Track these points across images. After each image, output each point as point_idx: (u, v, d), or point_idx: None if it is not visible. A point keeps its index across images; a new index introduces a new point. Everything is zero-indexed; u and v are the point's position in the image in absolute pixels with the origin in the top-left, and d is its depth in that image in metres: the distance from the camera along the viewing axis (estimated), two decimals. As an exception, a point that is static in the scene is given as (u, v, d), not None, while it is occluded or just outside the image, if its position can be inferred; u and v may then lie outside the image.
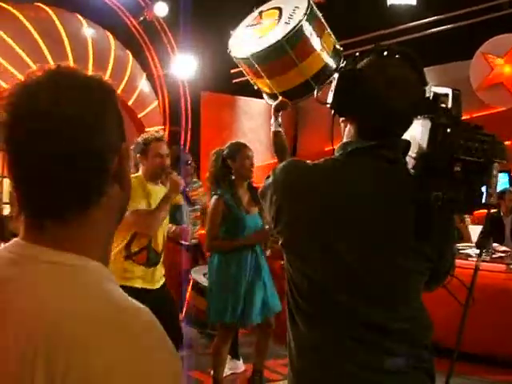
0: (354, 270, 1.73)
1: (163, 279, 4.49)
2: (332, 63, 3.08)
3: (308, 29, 3.03)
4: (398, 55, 1.80)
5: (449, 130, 1.72)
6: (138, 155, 4.36)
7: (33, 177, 1.03)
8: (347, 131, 1.88)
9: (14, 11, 9.09)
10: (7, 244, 1.08)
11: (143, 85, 10.58)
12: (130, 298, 1.03)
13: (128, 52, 10.47)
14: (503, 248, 6.83)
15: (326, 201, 1.75)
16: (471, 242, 7.61)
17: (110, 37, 10.25)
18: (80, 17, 9.99)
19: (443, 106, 1.78)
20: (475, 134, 1.73)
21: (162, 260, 4.43)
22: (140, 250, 4.23)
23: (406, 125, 1.81)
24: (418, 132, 1.80)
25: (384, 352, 1.74)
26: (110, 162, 1.06)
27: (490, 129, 1.77)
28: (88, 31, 9.91)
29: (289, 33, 2.98)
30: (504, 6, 9.98)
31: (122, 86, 10.02)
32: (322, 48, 3.07)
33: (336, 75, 1.87)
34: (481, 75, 10.20)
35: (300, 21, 3.00)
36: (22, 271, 1.02)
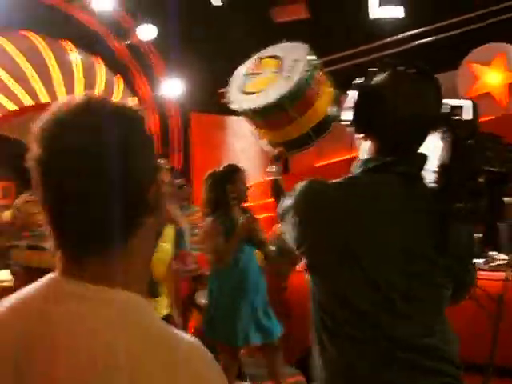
0: (380, 285, 1.72)
1: (168, 309, 4.40)
2: (332, 112, 3.01)
3: (309, 83, 2.97)
4: (413, 70, 1.80)
5: (471, 142, 1.72)
6: None
7: (71, 214, 1.00)
8: (368, 147, 1.87)
9: (3, 41, 9.09)
10: (43, 280, 1.05)
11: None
12: (176, 331, 1.01)
13: (116, 76, 10.49)
14: (502, 256, 6.80)
15: (352, 220, 1.74)
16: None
17: (99, 61, 10.26)
18: (67, 43, 10.00)
19: (458, 117, 1.78)
20: (497, 144, 1.73)
21: (165, 290, 4.35)
22: None
23: (424, 139, 1.81)
24: (435, 146, 1.79)
25: (415, 369, 1.73)
26: (147, 192, 1.03)
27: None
28: (75, 57, 9.92)
29: (289, 91, 2.91)
30: (488, 16, 10.05)
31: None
32: (322, 99, 3.01)
33: (352, 92, 1.86)
34: (467, 85, 10.25)
35: (301, 78, 2.94)
36: (66, 309, 0.98)
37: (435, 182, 1.81)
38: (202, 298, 6.27)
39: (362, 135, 1.90)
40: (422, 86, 1.80)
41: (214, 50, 10.41)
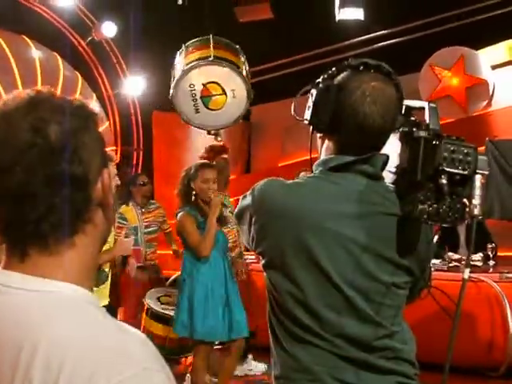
0: (339, 286, 1.71)
1: (107, 299, 4.52)
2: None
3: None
4: (374, 69, 1.80)
5: (434, 142, 1.71)
6: None
7: (14, 203, 0.99)
8: (326, 147, 1.86)
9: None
10: None
11: (94, 105, 10.43)
12: (120, 323, 1.01)
13: (77, 73, 10.37)
14: (457, 256, 6.89)
15: (310, 218, 1.73)
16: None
17: (59, 58, 10.14)
18: (27, 38, 9.86)
19: (415, 119, 1.79)
20: (459, 146, 1.72)
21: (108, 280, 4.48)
22: None
23: (385, 139, 1.81)
24: (395, 146, 1.79)
25: (372, 369, 1.72)
26: (92, 187, 1.03)
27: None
28: (35, 53, 9.79)
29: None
30: (451, 19, 10.17)
31: (71, 108, 9.90)
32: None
33: (313, 91, 1.85)
34: (429, 87, 10.37)
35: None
36: (7, 300, 0.98)
37: (394, 183, 1.81)
38: (152, 299, 6.24)
39: (321, 134, 1.89)
40: (384, 85, 1.80)
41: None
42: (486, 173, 1.76)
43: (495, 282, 6.00)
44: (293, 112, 1.97)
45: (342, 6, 9.00)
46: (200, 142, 12.27)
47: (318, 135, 1.91)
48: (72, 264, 1.02)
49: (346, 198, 1.77)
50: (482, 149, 7.95)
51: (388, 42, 10.69)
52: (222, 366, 5.15)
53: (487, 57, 10.13)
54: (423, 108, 1.82)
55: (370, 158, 1.79)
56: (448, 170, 1.69)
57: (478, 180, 1.74)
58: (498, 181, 7.94)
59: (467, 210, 1.74)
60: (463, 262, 6.79)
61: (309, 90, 1.89)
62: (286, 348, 1.78)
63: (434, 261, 6.93)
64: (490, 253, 6.93)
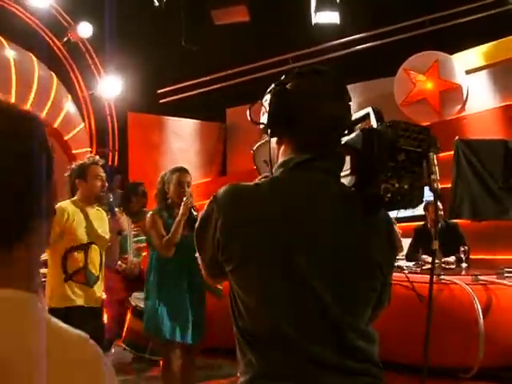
0: (311, 285, 1.70)
1: (100, 300, 4.59)
2: None
3: None
4: (322, 74, 1.85)
5: (388, 124, 1.77)
6: (76, 180, 4.54)
7: None
8: (282, 152, 1.88)
9: None
10: None
11: (69, 106, 10.42)
12: (66, 327, 1.02)
13: (52, 73, 10.31)
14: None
15: (278, 217, 1.73)
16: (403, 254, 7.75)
17: (33, 58, 10.07)
18: (1, 38, 9.78)
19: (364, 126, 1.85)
20: (411, 126, 1.78)
21: (101, 281, 4.57)
22: (77, 270, 4.39)
23: (340, 136, 1.84)
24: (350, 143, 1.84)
25: (342, 371, 1.72)
26: (35, 199, 1.03)
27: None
28: (10, 52, 9.71)
29: None
30: (426, 24, 10.28)
31: (46, 108, 9.83)
32: None
33: (267, 96, 1.88)
34: (404, 91, 10.47)
35: None
36: None
37: (351, 173, 1.85)
38: (136, 301, 6.28)
39: (277, 139, 1.91)
40: (333, 86, 1.85)
41: (152, 51, 10.35)
42: (439, 152, 1.82)
43: (467, 284, 6.06)
44: (249, 118, 2.00)
45: (317, 9, 9.05)
46: (177, 145, 12.32)
47: (275, 141, 1.93)
48: (18, 270, 1.03)
49: (309, 195, 1.78)
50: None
51: (363, 45, 10.78)
52: (183, 373, 5.10)
53: (461, 61, 10.26)
54: (368, 115, 1.87)
55: (327, 155, 1.82)
56: (405, 147, 1.75)
57: (433, 157, 1.81)
58: (468, 180, 7.95)
59: (430, 186, 1.80)
60: (437, 265, 6.85)
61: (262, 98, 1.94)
62: (249, 355, 1.76)
63: (408, 263, 7.00)
64: (462, 255, 7.01)
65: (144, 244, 7.03)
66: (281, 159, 1.88)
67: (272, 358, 1.72)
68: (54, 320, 1.01)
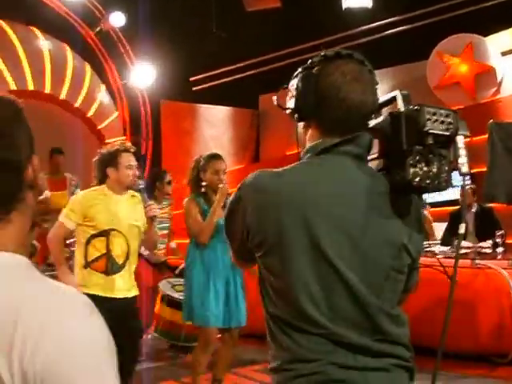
0: (338, 269, 1.72)
1: (131, 292, 4.50)
2: None
3: None
4: (348, 57, 1.85)
5: (416, 108, 1.76)
6: (107, 168, 4.45)
7: None
8: (309, 136, 1.89)
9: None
10: None
11: (102, 96, 10.51)
12: (55, 282, 1.14)
13: (86, 63, 10.40)
14: (467, 244, 6.90)
15: (306, 202, 1.74)
16: (436, 239, 7.71)
17: (67, 49, 10.17)
18: (35, 29, 9.89)
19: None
20: (439, 109, 1.78)
21: (128, 270, 4.46)
22: (97, 258, 4.34)
23: (367, 119, 1.85)
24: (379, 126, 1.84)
25: (368, 353, 1.74)
26: (23, 171, 1.16)
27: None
28: (44, 44, 9.82)
29: None
30: (460, 6, 10.14)
31: (81, 98, 9.95)
32: None
33: (294, 80, 1.90)
34: (438, 75, 10.36)
35: None
36: None
37: (379, 157, 1.85)
38: (167, 287, 6.33)
39: (304, 124, 1.92)
40: (360, 68, 1.85)
41: (184, 39, 10.37)
42: (467, 133, 1.81)
43: (504, 268, 6.02)
44: (275, 103, 2.01)
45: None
46: (209, 132, 12.36)
47: (302, 125, 1.94)
48: (9, 237, 1.15)
49: (337, 179, 1.79)
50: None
51: (395, 29, 10.67)
52: (217, 355, 5.18)
53: (496, 43, 10.10)
54: (395, 98, 1.86)
55: (354, 139, 1.82)
56: (432, 131, 1.74)
57: (461, 141, 1.80)
58: (503, 163, 7.80)
59: (457, 169, 1.79)
60: (472, 250, 6.80)
61: (288, 83, 1.95)
62: (280, 340, 1.78)
63: (442, 248, 6.95)
64: (498, 240, 6.95)
65: (167, 231, 7.11)
66: (308, 144, 1.89)
67: (302, 342, 1.74)
68: (44, 278, 1.13)
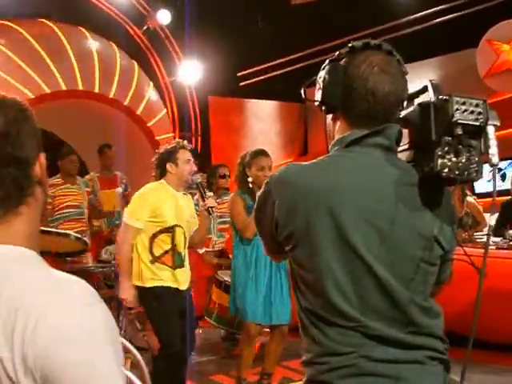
0: (368, 262, 1.72)
1: (188, 283, 4.73)
2: None
3: None
4: (376, 48, 1.84)
5: (445, 98, 1.74)
6: (167, 163, 4.68)
7: None
8: (338, 128, 1.90)
9: (21, 30, 9.15)
10: None
11: (151, 93, 10.62)
12: (62, 273, 1.19)
13: (134, 62, 10.52)
14: (517, 235, 6.78)
15: (335, 195, 1.74)
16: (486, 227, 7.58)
17: (115, 48, 10.30)
18: (84, 30, 10.04)
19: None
20: (469, 99, 1.74)
21: (186, 263, 4.70)
22: (164, 253, 4.55)
23: (396, 110, 1.84)
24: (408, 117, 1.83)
25: (401, 346, 1.74)
26: (32, 167, 1.23)
27: (499, 115, 1.77)
28: (93, 43, 9.96)
29: None
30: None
31: (129, 96, 10.06)
32: None
33: (321, 72, 1.90)
34: (487, 62, 10.17)
35: None
36: None
37: (409, 148, 1.84)
38: (224, 276, 6.42)
39: (332, 116, 1.92)
40: (389, 58, 1.84)
41: (230, 34, 10.41)
42: (498, 124, 1.77)
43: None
44: (303, 95, 2.01)
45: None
46: (257, 127, 12.39)
47: (330, 118, 1.94)
48: (19, 230, 1.21)
49: (365, 171, 1.79)
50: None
51: (443, 18, 10.51)
52: (266, 349, 5.23)
53: (547, 29, 9.88)
54: (426, 89, 1.84)
55: (382, 130, 1.81)
56: (461, 121, 1.71)
57: (491, 131, 1.75)
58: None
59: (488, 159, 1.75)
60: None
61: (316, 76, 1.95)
62: (311, 334, 1.78)
63: (494, 239, 6.84)
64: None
65: (228, 226, 7.16)
66: (336, 136, 1.89)
67: (333, 336, 1.75)
68: (49, 269, 1.20)
